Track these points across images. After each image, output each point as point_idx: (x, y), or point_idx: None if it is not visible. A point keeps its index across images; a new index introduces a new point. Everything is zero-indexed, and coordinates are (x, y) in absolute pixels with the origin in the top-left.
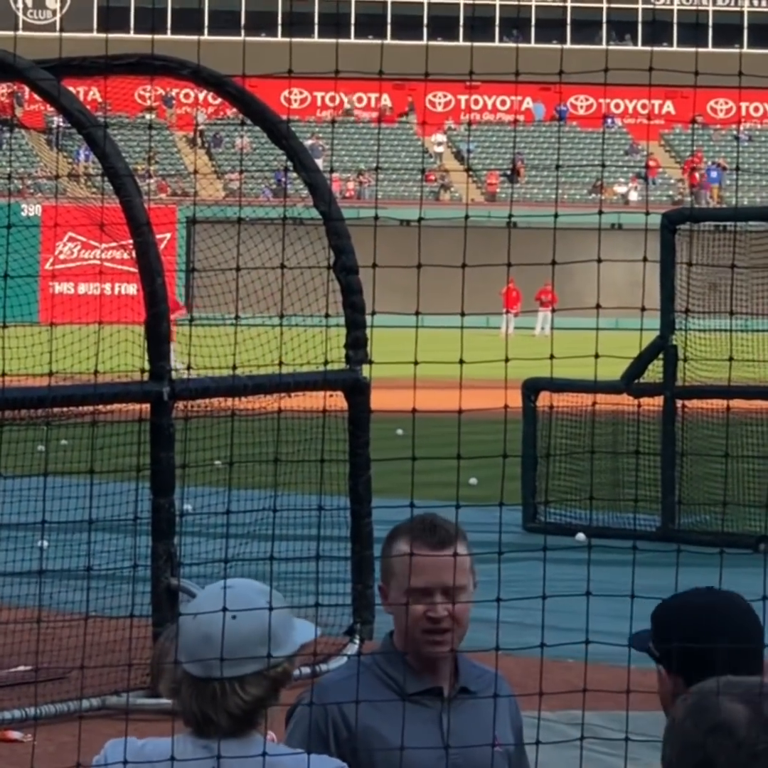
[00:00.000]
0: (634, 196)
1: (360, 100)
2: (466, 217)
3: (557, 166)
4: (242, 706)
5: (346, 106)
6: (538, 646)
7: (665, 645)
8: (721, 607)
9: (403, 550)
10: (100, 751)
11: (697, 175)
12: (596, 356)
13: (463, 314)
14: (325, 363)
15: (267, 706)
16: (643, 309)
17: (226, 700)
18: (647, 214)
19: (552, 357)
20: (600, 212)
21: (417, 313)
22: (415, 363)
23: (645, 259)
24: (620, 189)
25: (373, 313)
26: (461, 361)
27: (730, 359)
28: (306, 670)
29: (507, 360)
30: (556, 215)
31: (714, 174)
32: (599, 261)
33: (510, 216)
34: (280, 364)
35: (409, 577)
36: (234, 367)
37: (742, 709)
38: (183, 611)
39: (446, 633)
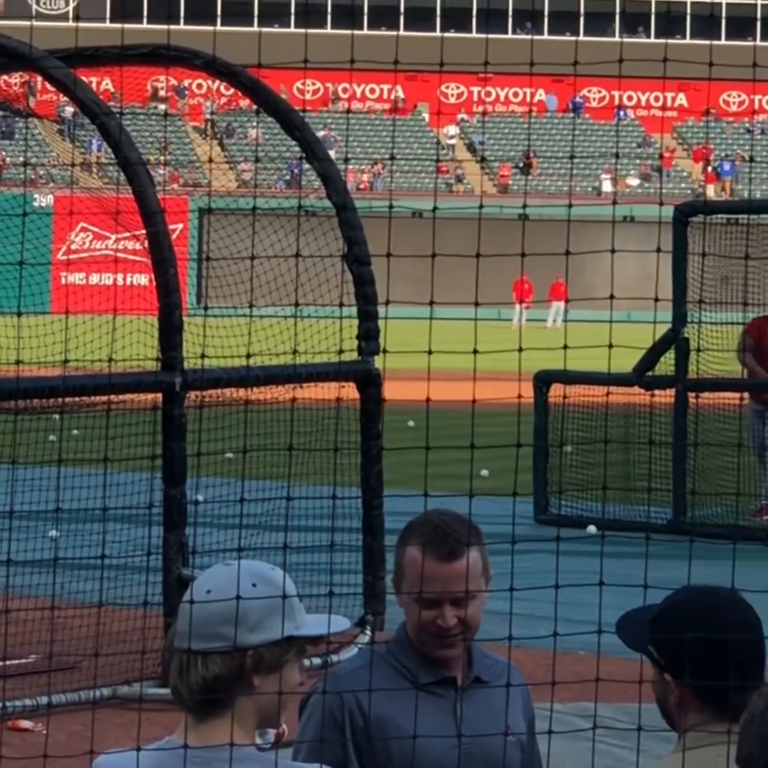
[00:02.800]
0: (634, 182)
1: (373, 91)
2: (480, 206)
3: (571, 156)
4: (200, 683)
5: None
6: (550, 635)
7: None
8: (724, 607)
9: (414, 555)
10: None
11: (709, 168)
12: (610, 346)
13: (476, 304)
14: (340, 351)
15: (233, 690)
16: (656, 300)
17: (189, 674)
18: (661, 204)
19: (566, 347)
20: (614, 201)
21: (431, 303)
22: (429, 352)
23: (658, 250)
24: (633, 181)
25: (387, 302)
26: (475, 351)
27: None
28: (317, 660)
29: (521, 349)
30: (570, 205)
31: (727, 167)
32: (613, 251)
33: (524, 206)
34: (295, 350)
35: (413, 582)
36: (249, 356)
37: None
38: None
39: (456, 637)
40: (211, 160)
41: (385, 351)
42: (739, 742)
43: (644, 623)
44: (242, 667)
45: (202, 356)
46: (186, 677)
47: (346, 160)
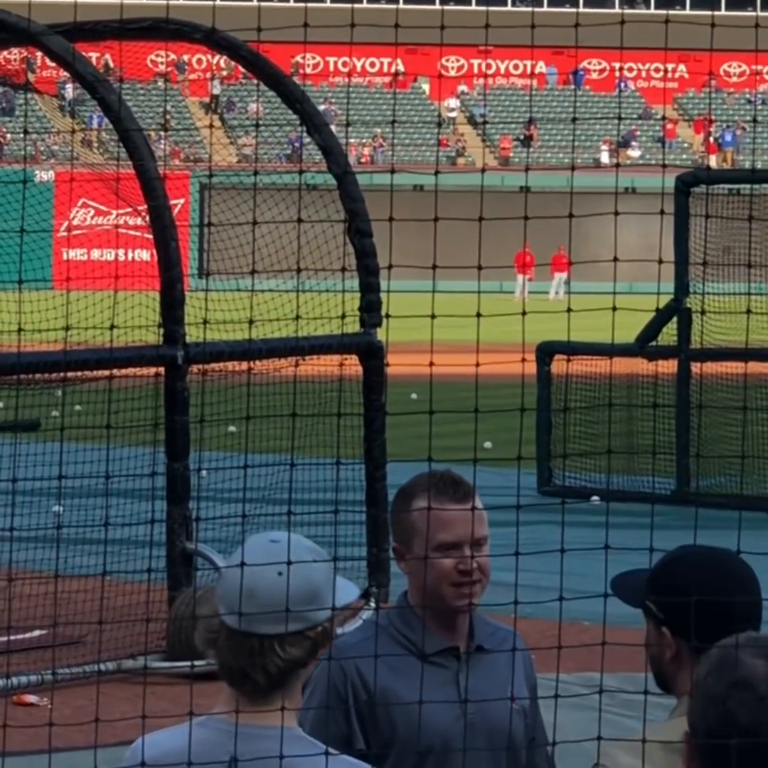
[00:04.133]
0: (635, 154)
1: (373, 65)
2: (483, 170)
3: (573, 119)
4: (280, 665)
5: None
6: (555, 600)
7: (663, 599)
8: (724, 563)
9: (425, 506)
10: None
11: (711, 139)
12: (613, 309)
13: (479, 267)
14: (342, 317)
15: (304, 666)
16: (660, 262)
17: (265, 658)
18: (665, 169)
19: (569, 311)
20: (617, 165)
21: (434, 267)
22: (432, 316)
23: (662, 212)
24: (634, 153)
25: (390, 267)
26: (478, 315)
27: (748, 312)
28: None
29: (524, 313)
30: (573, 168)
31: (728, 137)
32: (616, 213)
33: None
34: (297, 316)
35: (429, 532)
36: (251, 321)
37: (762, 664)
38: (228, 561)
39: (475, 585)
40: (211, 126)
41: (387, 315)
42: (689, 707)
43: (641, 582)
44: (316, 644)
45: (205, 322)
46: (261, 662)
47: (348, 125)
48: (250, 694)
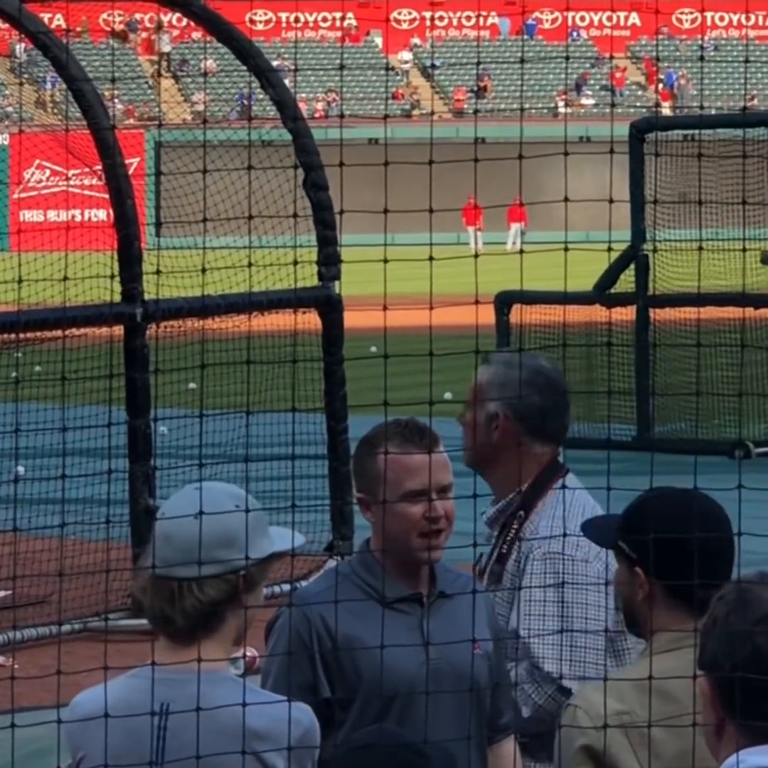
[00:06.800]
0: (589, 102)
1: (325, 19)
2: (431, 113)
3: (521, 60)
4: (198, 608)
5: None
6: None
7: (637, 539)
8: (696, 502)
9: (392, 454)
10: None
11: (661, 86)
12: (565, 249)
13: (431, 211)
14: (294, 264)
15: (226, 610)
16: (610, 201)
17: (183, 600)
18: (613, 113)
19: (521, 252)
20: (567, 116)
21: (385, 211)
22: (385, 261)
23: (611, 151)
24: (587, 101)
25: (342, 212)
26: (431, 258)
27: (700, 250)
28: (286, 587)
29: (476, 256)
30: (521, 109)
31: (674, 77)
32: (565, 154)
33: (476, 112)
34: (250, 263)
35: (396, 480)
36: (204, 269)
37: None
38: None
39: (441, 534)
40: (159, 74)
41: (340, 261)
42: (701, 647)
43: (612, 524)
44: (236, 588)
45: (157, 272)
46: (180, 604)
47: (296, 70)
48: (175, 638)
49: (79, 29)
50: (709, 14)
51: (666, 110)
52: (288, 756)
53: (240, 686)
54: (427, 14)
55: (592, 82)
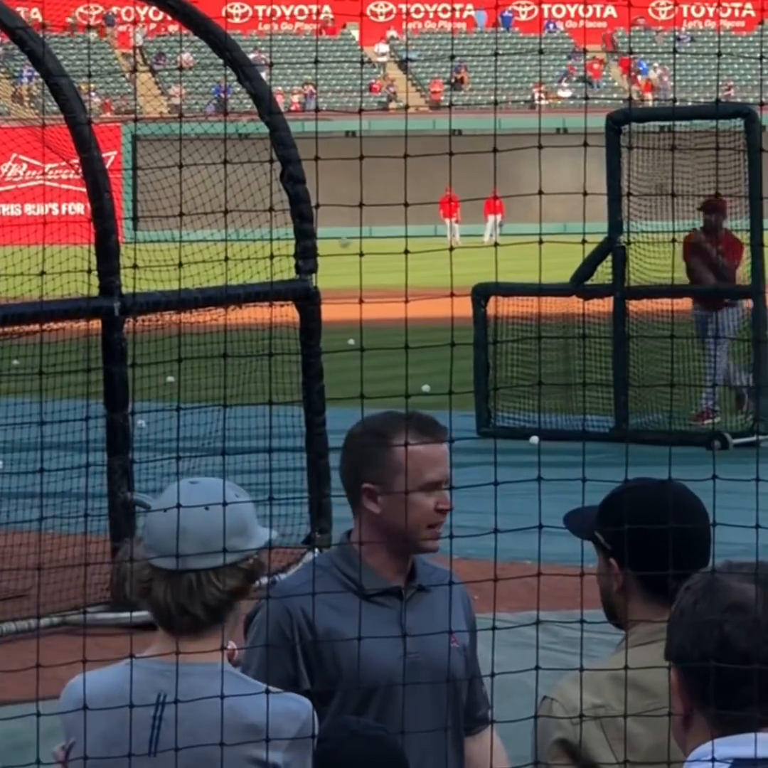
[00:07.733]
0: (566, 94)
1: (301, 12)
2: (407, 106)
3: (496, 53)
4: (219, 597)
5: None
6: (491, 532)
7: (611, 530)
8: (673, 493)
9: (411, 445)
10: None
11: (639, 77)
12: (540, 242)
13: (406, 204)
14: (270, 257)
15: (240, 599)
16: (585, 194)
17: (203, 592)
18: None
19: (496, 245)
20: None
21: (360, 205)
22: (361, 254)
23: (585, 144)
24: (564, 93)
25: (317, 206)
26: (406, 251)
27: (673, 241)
28: (264, 579)
29: (451, 249)
30: (495, 102)
31: (647, 68)
32: (539, 147)
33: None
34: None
35: (417, 472)
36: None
37: (751, 587)
38: (152, 508)
39: (441, 524)
40: (135, 69)
41: (317, 255)
42: (668, 637)
43: (591, 516)
44: (250, 576)
45: (135, 267)
46: (199, 595)
47: (271, 64)
48: (187, 630)
49: (68, 20)
50: (684, 6)
51: (649, 103)
52: (286, 748)
53: (236, 679)
54: (404, 7)
55: (569, 73)
